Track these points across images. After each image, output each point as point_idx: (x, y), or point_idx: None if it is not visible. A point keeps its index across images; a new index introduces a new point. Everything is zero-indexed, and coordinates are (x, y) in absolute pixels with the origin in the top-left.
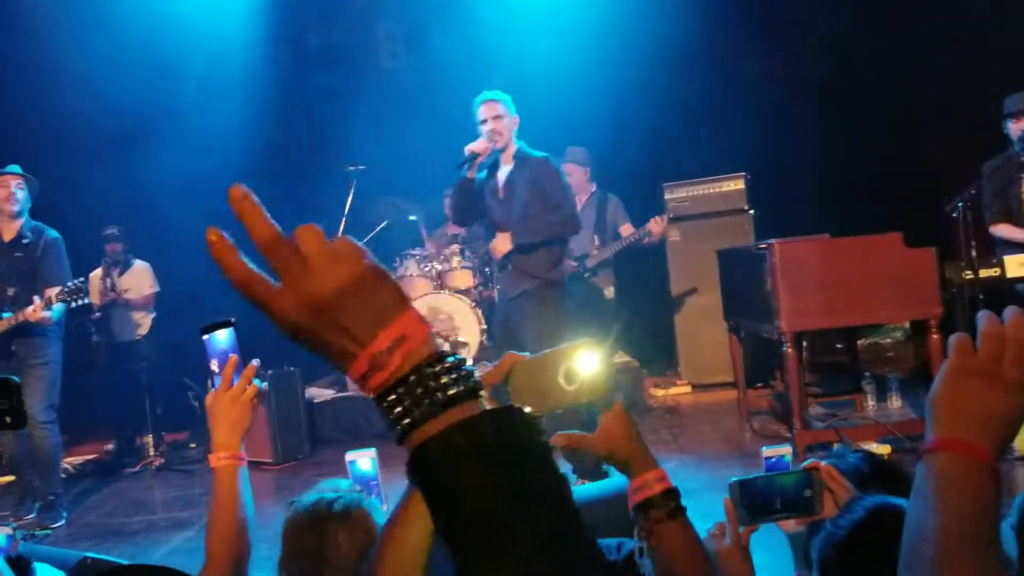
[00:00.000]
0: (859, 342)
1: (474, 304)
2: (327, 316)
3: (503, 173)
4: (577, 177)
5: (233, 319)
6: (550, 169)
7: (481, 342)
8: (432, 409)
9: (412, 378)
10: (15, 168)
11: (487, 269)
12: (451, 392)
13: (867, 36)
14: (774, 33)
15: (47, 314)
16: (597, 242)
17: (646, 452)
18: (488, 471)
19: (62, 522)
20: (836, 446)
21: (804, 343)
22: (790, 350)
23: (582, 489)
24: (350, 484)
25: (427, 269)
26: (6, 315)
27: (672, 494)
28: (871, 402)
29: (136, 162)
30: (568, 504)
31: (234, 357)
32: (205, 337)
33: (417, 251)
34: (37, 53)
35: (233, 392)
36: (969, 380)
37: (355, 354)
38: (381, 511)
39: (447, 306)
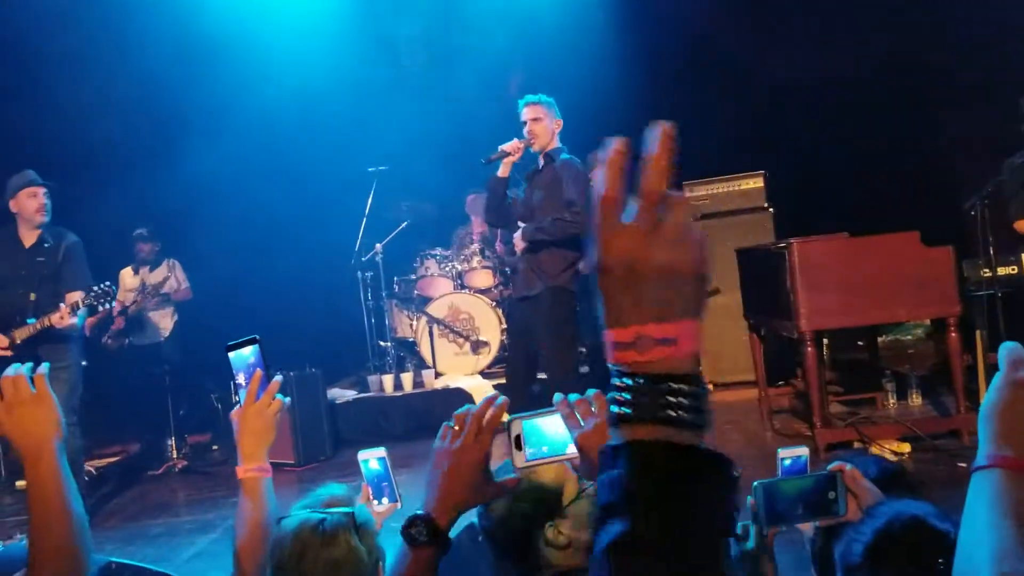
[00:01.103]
0: (880, 339)
1: (494, 304)
2: (634, 276)
3: (537, 175)
4: None
5: (257, 336)
6: (570, 169)
7: (502, 341)
8: (648, 416)
9: (654, 380)
10: (35, 176)
11: (507, 268)
12: (674, 414)
13: (885, 34)
14: (792, 32)
15: (73, 320)
16: None
17: None
18: (663, 501)
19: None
20: (854, 448)
21: (824, 340)
22: (809, 349)
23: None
24: (345, 490)
25: (447, 268)
26: (31, 321)
27: None
28: (892, 400)
29: (164, 166)
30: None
31: (259, 372)
32: (231, 354)
33: (438, 250)
34: (67, 52)
35: (258, 406)
36: None
37: (625, 324)
38: (373, 522)
39: (468, 305)
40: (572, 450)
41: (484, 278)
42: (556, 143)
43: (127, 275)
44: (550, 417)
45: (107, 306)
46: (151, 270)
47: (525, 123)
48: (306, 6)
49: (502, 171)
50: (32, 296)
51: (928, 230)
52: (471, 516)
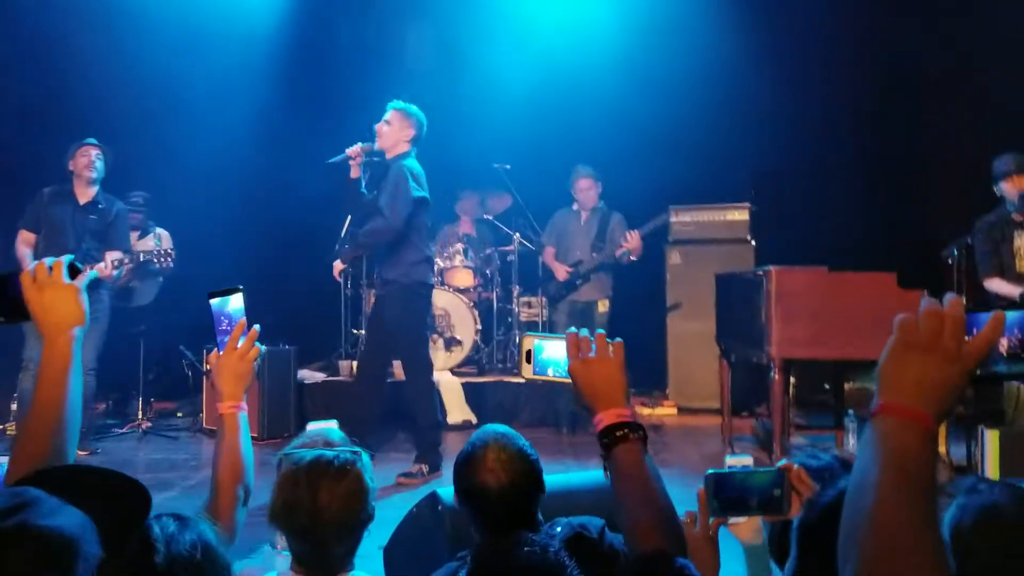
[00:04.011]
0: (847, 385)
1: (472, 304)
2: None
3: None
4: (594, 192)
5: (241, 286)
6: (395, 172)
7: (475, 341)
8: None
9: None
10: (90, 139)
11: (487, 271)
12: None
13: (871, 80)
14: (785, 70)
15: (113, 273)
16: (593, 255)
17: (611, 395)
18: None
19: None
20: (809, 447)
21: (792, 380)
22: (777, 376)
23: (571, 477)
24: (341, 435)
25: None
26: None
27: (621, 426)
28: (852, 439)
29: (159, 133)
30: None
31: (243, 321)
32: (213, 301)
33: None
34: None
35: (240, 351)
36: (911, 352)
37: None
38: (372, 469)
39: (444, 302)
40: None
41: (464, 277)
42: (403, 149)
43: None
44: (558, 342)
45: (166, 265)
46: (139, 237)
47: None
48: None
49: (353, 172)
50: (82, 246)
51: (905, 274)
52: (433, 485)
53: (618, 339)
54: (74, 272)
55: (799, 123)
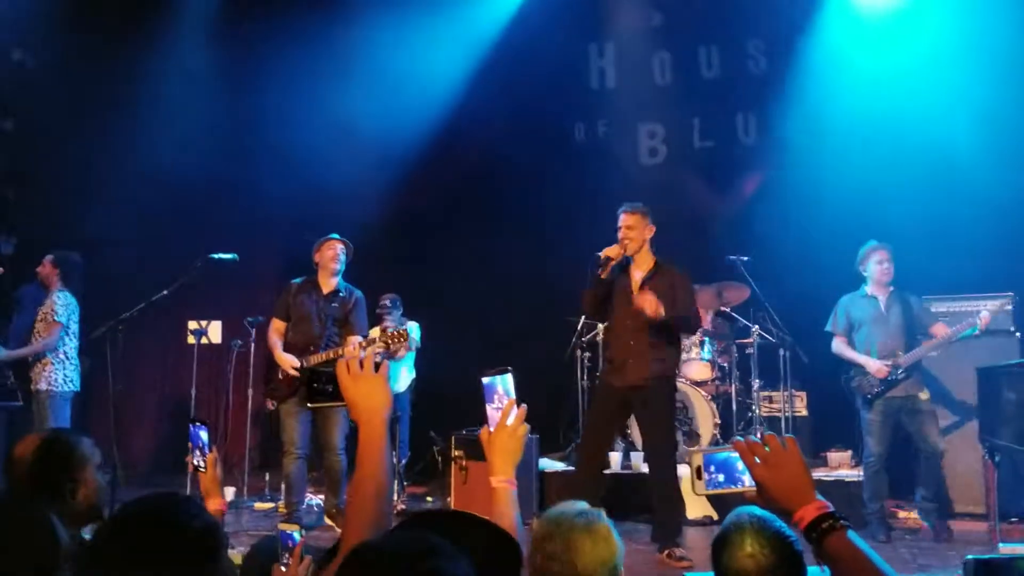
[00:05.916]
0: None
1: (709, 397)
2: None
3: (637, 275)
4: (891, 267)
5: (510, 368)
6: (686, 280)
7: (714, 435)
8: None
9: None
10: (335, 234)
11: (725, 364)
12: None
13: None
14: None
15: (362, 354)
16: (904, 342)
17: (802, 490)
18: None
19: None
20: None
21: None
22: None
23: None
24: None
25: None
26: (321, 351)
27: (825, 518)
28: None
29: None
30: None
31: (512, 400)
32: (485, 380)
33: None
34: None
35: (510, 428)
36: None
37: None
38: (619, 534)
39: (682, 395)
40: (747, 482)
41: (702, 370)
42: (646, 248)
43: (375, 333)
44: (726, 453)
45: (396, 346)
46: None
47: (619, 229)
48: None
49: (603, 274)
50: (325, 332)
51: None
52: None
53: (789, 435)
54: (376, 366)
55: None
